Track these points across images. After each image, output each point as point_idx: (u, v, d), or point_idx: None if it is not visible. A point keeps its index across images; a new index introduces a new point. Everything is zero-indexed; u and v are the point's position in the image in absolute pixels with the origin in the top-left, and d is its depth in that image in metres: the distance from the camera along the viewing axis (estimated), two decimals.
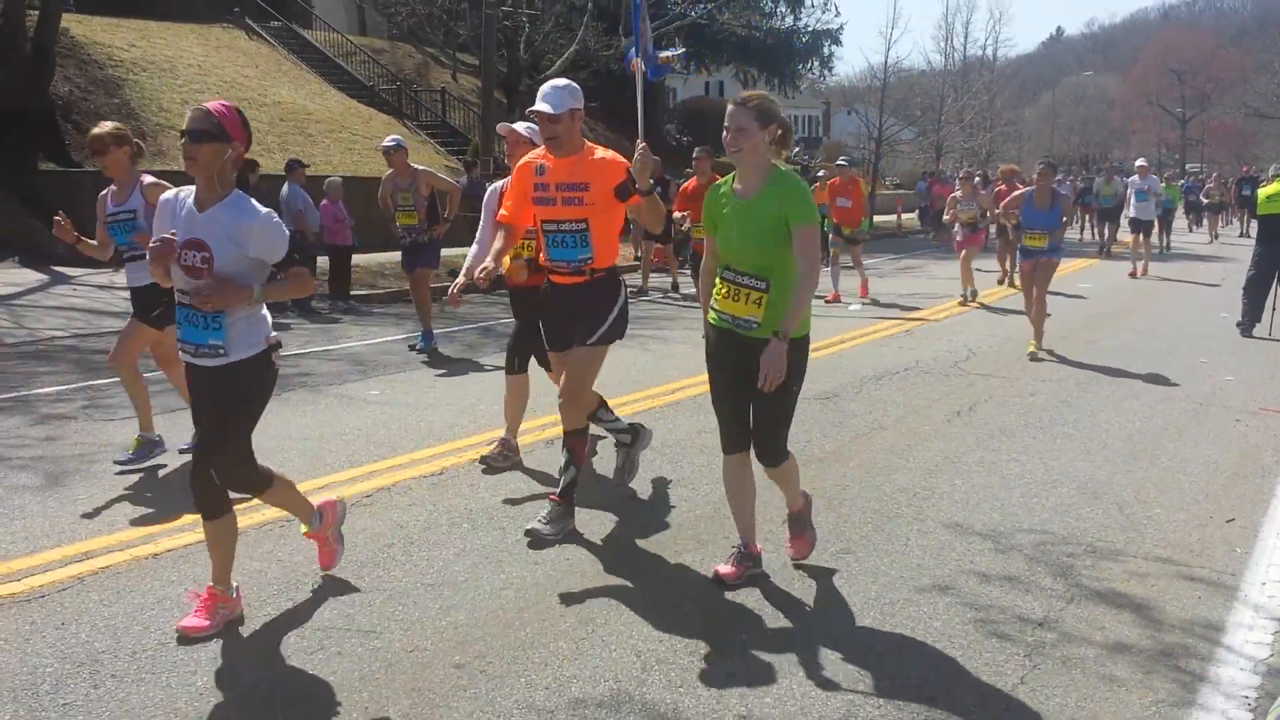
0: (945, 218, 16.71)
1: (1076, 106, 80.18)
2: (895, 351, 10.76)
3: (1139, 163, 20.42)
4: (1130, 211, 19.46)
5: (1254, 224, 25.79)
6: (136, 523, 5.33)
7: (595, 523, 5.39)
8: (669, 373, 9.37)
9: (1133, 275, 18.65)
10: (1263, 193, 12.38)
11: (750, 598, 4.45)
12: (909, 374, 9.45)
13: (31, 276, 14.82)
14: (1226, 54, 75.98)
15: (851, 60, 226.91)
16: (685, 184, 12.97)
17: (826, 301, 14.67)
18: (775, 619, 4.25)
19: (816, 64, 43.48)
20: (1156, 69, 76.43)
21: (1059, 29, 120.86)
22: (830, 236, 15.21)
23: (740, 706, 3.55)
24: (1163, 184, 24.80)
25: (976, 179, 17.29)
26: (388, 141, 10.67)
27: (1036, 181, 10.70)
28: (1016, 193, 11.34)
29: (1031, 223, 10.56)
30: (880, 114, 42.36)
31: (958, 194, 15.69)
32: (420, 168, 10.69)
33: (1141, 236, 19.25)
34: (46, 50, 18.38)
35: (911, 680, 3.74)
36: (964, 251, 15.23)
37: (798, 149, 44.58)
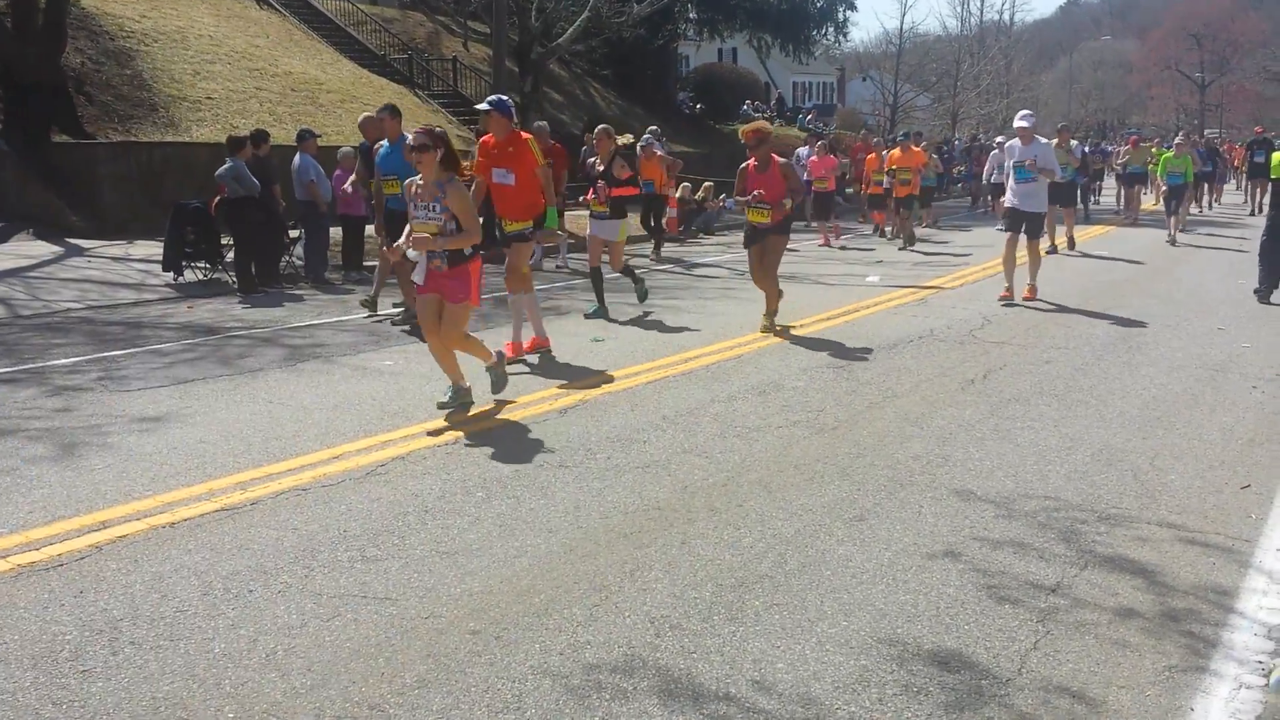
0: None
1: (1094, 71, 79.48)
2: (909, 320, 10.72)
3: (1020, 120, 12.05)
4: (1007, 198, 12.18)
5: (1262, 199, 24.83)
6: (153, 492, 5.37)
7: (609, 490, 5.41)
8: (682, 342, 9.36)
9: (1005, 298, 11.79)
10: (1276, 157, 12.23)
11: (764, 564, 4.47)
12: (923, 342, 9.42)
13: (46, 249, 14.86)
14: (1246, 18, 74.90)
15: (866, 25, 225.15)
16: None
17: None
18: (788, 585, 4.26)
19: (831, 29, 43.05)
20: (1175, 33, 75.46)
21: None
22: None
23: (754, 672, 3.57)
24: (1169, 151, 20.31)
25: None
26: None
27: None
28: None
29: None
30: (896, 80, 42.09)
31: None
32: None
33: (1025, 237, 11.93)
34: (58, 22, 18.35)
35: (925, 646, 3.75)
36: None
37: (810, 115, 44.29)
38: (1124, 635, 3.86)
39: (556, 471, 5.72)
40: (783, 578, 4.34)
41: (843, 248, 19.25)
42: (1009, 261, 11.99)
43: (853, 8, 50.70)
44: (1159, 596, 4.19)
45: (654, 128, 20.89)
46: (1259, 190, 26.33)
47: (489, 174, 8.44)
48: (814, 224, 20.78)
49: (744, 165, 10.07)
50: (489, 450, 6.14)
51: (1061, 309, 11.38)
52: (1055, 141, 18.16)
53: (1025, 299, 11.84)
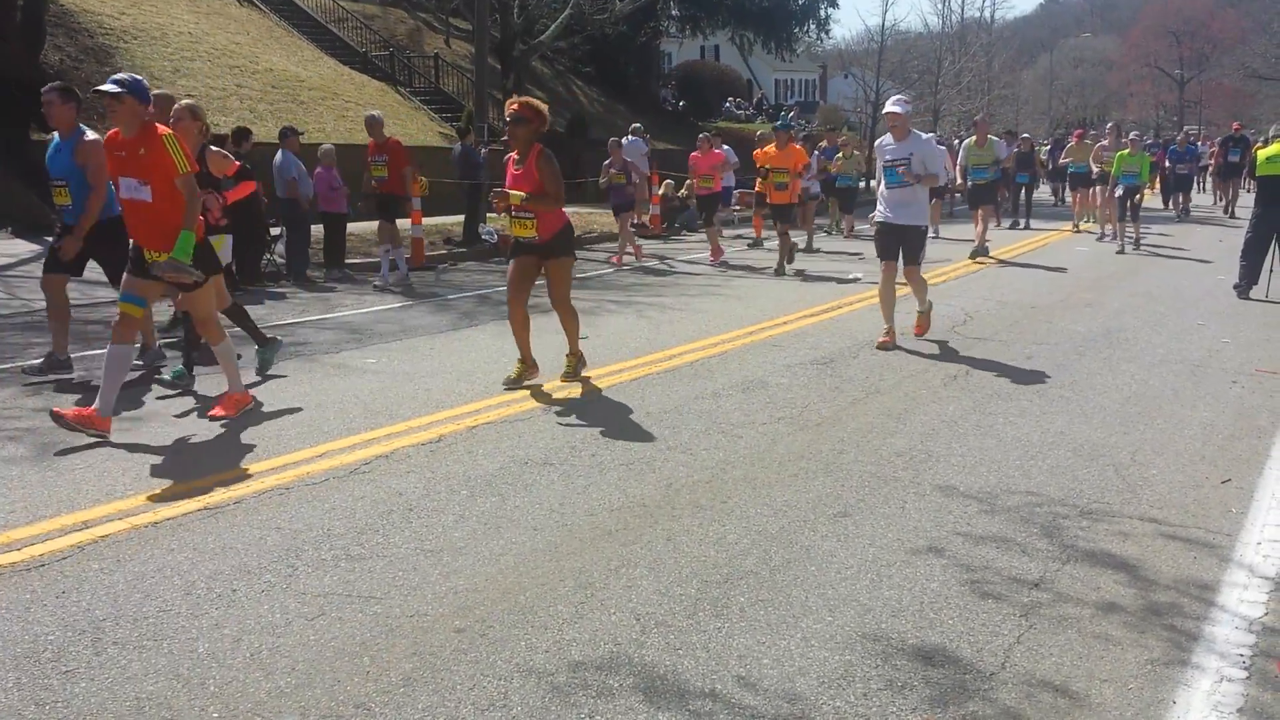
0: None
1: (1074, 69, 79.84)
2: None
3: (892, 104, 9.35)
4: (876, 209, 9.43)
5: (1236, 202, 24.25)
6: (135, 491, 5.34)
7: (594, 487, 5.41)
8: (666, 339, 9.37)
9: (884, 344, 9.08)
10: (1261, 154, 12.35)
11: (748, 560, 4.48)
12: (905, 338, 9.44)
13: (24, 247, 14.73)
14: (1225, 15, 75.44)
15: (848, 23, 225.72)
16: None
17: None
18: (773, 581, 4.27)
19: (813, 26, 43.20)
20: (1155, 31, 75.91)
21: None
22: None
23: (739, 668, 3.57)
24: (1127, 150, 17.36)
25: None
26: None
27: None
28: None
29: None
30: (877, 77, 42.18)
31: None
32: None
33: (903, 263, 9.26)
34: (37, 19, 18.21)
35: (909, 641, 3.77)
36: None
37: (792, 113, 44.32)
38: (1106, 629, 3.88)
39: (541, 469, 5.72)
40: (767, 574, 4.35)
41: (724, 264, 15.94)
42: (886, 298, 9.25)
43: (834, 5, 50.85)
44: (1141, 591, 4.22)
45: (637, 125, 20.90)
46: (1233, 189, 24.98)
47: (118, 184, 6.47)
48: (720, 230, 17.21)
49: (507, 156, 7.90)
50: (473, 448, 6.13)
51: (1041, 306, 11.43)
52: (973, 139, 16.88)
53: (916, 334, 9.49)
